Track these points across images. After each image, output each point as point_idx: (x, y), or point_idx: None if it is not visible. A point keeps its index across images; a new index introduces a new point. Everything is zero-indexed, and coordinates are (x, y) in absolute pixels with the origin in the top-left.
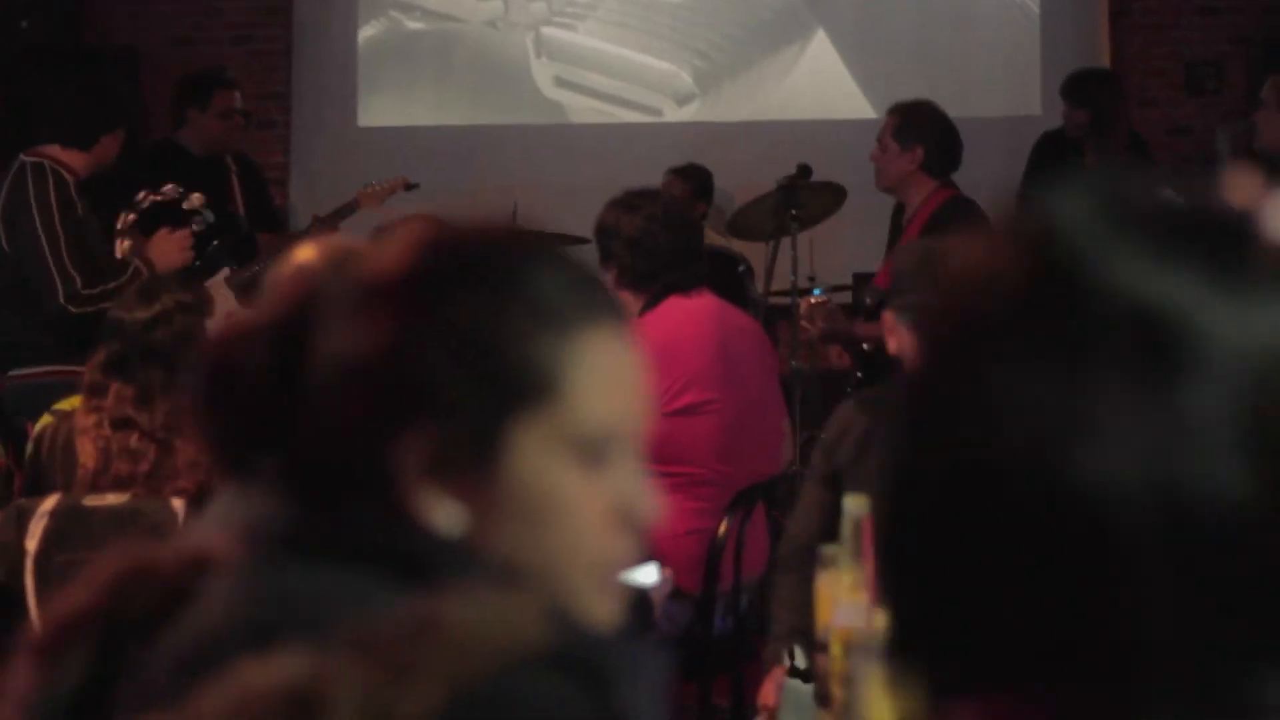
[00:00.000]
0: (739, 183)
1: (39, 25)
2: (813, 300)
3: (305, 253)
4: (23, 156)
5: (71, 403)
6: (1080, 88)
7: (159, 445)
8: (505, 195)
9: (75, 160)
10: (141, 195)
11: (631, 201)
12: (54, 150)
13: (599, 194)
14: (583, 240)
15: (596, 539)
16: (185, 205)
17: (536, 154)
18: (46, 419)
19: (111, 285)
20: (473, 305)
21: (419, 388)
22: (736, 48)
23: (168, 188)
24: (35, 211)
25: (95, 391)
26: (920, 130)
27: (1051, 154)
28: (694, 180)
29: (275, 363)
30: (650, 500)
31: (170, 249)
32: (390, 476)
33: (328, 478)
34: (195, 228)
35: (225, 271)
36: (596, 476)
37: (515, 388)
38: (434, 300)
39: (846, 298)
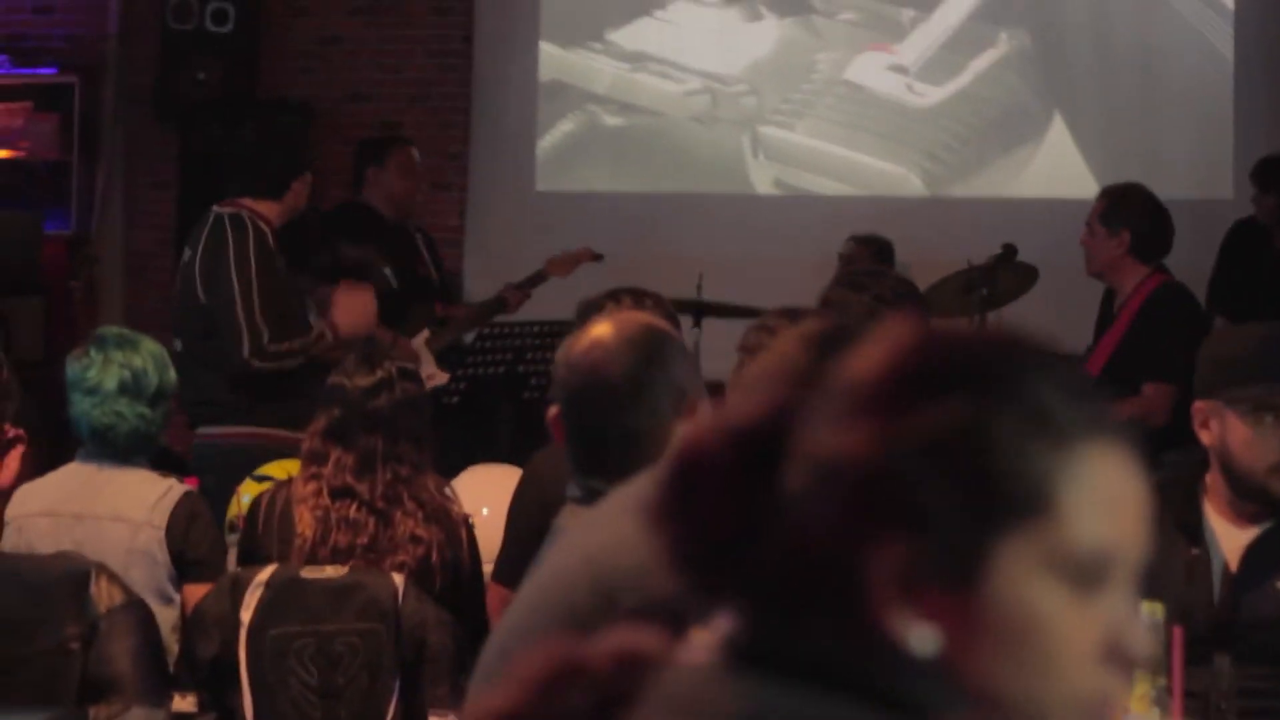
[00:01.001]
0: (918, 258)
1: (215, 78)
2: None
3: (602, 330)
4: (216, 208)
5: (277, 469)
6: (1269, 172)
7: (378, 517)
8: (689, 266)
9: (269, 210)
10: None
11: (859, 281)
12: (247, 201)
13: (780, 265)
14: (709, 306)
15: (1083, 673)
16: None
17: (715, 224)
18: (255, 486)
19: (297, 344)
20: (962, 411)
21: (899, 497)
22: (966, 147)
23: (350, 249)
24: (233, 262)
25: (315, 459)
26: (1128, 214)
27: (1244, 242)
28: (874, 248)
29: (746, 463)
30: (1144, 636)
31: (354, 308)
32: (861, 591)
33: (794, 587)
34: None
35: (425, 334)
36: (1087, 604)
37: (1004, 501)
38: (921, 404)
39: None
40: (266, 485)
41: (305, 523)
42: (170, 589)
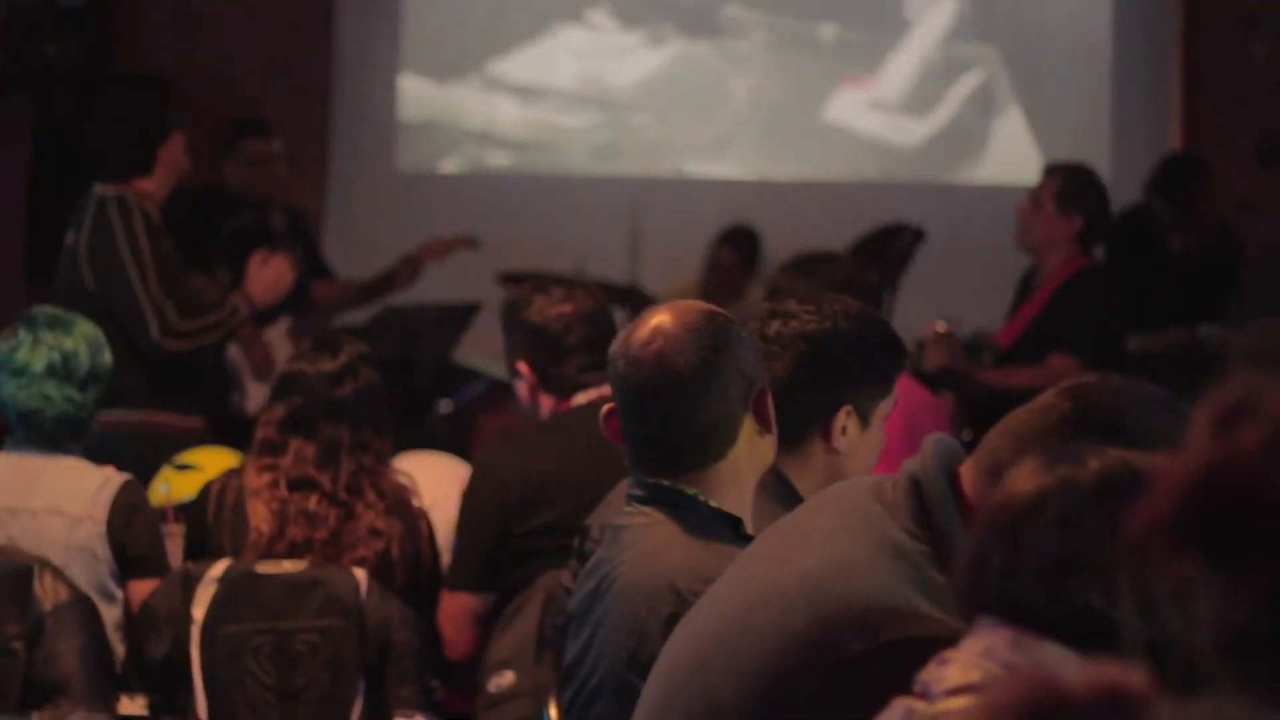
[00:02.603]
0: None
1: (66, 52)
2: (938, 329)
3: (662, 319)
4: (98, 189)
5: (201, 456)
6: (1172, 175)
7: (340, 509)
8: (564, 248)
9: (147, 185)
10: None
11: (808, 266)
12: (130, 181)
13: (653, 249)
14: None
15: None
16: (272, 225)
17: (586, 207)
18: (174, 474)
19: (211, 319)
20: None
21: None
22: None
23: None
24: (123, 245)
25: (270, 450)
26: (1086, 200)
27: (1133, 233)
28: (745, 246)
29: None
30: None
31: (271, 277)
32: None
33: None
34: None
35: (285, 322)
36: None
37: None
38: None
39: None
40: (189, 474)
41: (260, 516)
42: (112, 586)
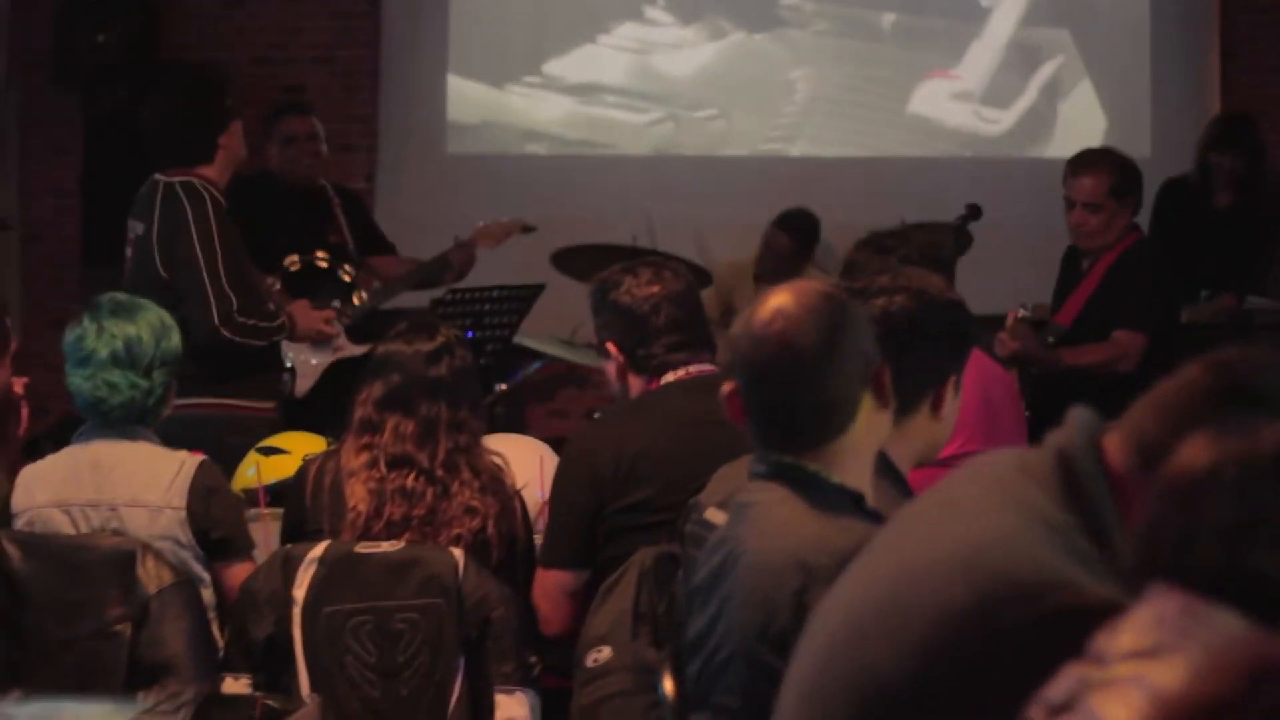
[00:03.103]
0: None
1: (114, 41)
2: (1020, 314)
3: (782, 299)
4: (162, 178)
5: (286, 441)
6: (1232, 131)
7: (437, 486)
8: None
9: (209, 173)
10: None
11: (884, 243)
12: (196, 169)
13: (711, 225)
14: (704, 273)
15: None
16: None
17: (632, 185)
18: (260, 458)
19: (264, 324)
20: None
21: None
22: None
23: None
24: (195, 232)
25: (369, 428)
26: (1134, 182)
27: (1176, 201)
28: (800, 230)
29: None
30: None
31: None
32: None
33: None
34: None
35: (330, 310)
36: None
37: None
38: None
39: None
40: (276, 458)
41: (358, 496)
42: (199, 569)
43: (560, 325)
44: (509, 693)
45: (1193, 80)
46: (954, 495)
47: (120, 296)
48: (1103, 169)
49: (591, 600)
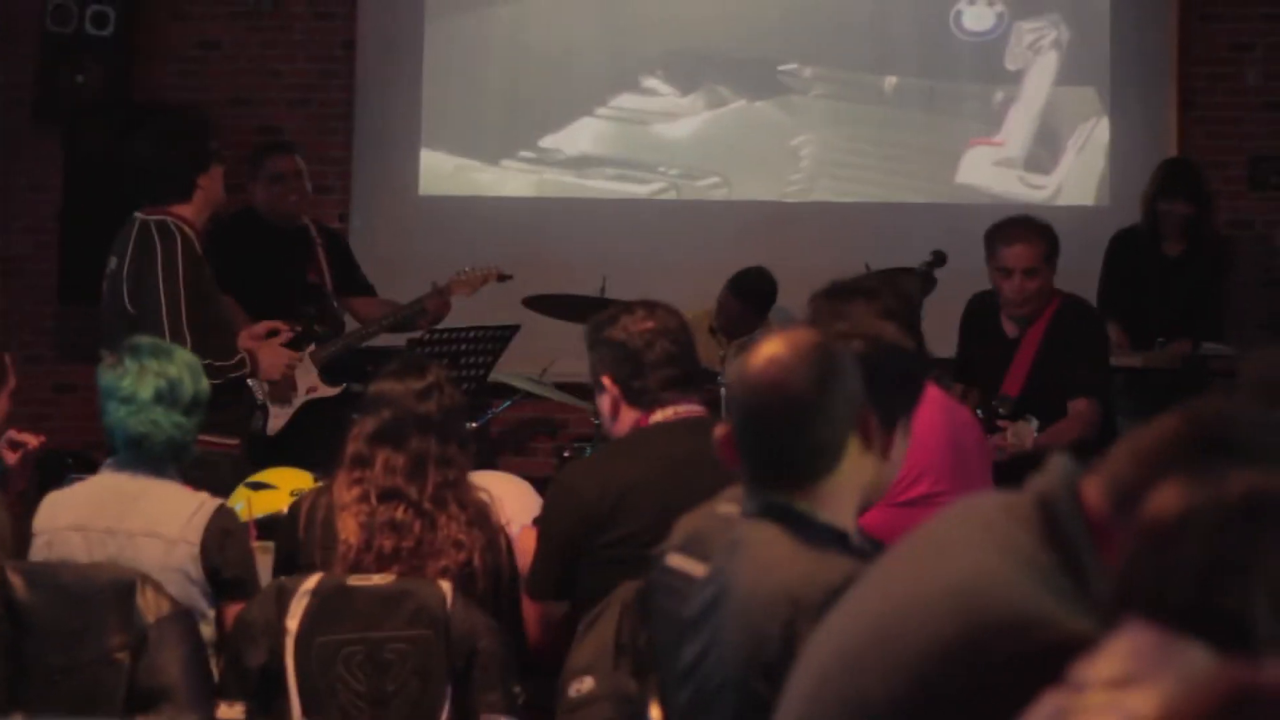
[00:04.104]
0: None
1: (94, 82)
2: (1033, 429)
3: (775, 347)
4: (140, 215)
5: (273, 476)
6: (1179, 178)
7: (424, 520)
8: (583, 270)
9: (186, 212)
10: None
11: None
12: (171, 208)
13: (676, 270)
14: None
15: None
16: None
17: (607, 229)
18: (248, 493)
19: (218, 363)
20: None
21: None
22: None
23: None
24: (160, 271)
25: (360, 463)
26: (1058, 247)
27: (1128, 250)
28: (750, 295)
29: None
30: None
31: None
32: None
33: None
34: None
35: (311, 347)
36: None
37: None
38: None
39: None
40: (264, 492)
41: (349, 529)
42: (204, 605)
43: (531, 364)
44: None
45: (1150, 131)
46: (942, 535)
47: (156, 340)
48: (1033, 234)
49: (576, 632)
